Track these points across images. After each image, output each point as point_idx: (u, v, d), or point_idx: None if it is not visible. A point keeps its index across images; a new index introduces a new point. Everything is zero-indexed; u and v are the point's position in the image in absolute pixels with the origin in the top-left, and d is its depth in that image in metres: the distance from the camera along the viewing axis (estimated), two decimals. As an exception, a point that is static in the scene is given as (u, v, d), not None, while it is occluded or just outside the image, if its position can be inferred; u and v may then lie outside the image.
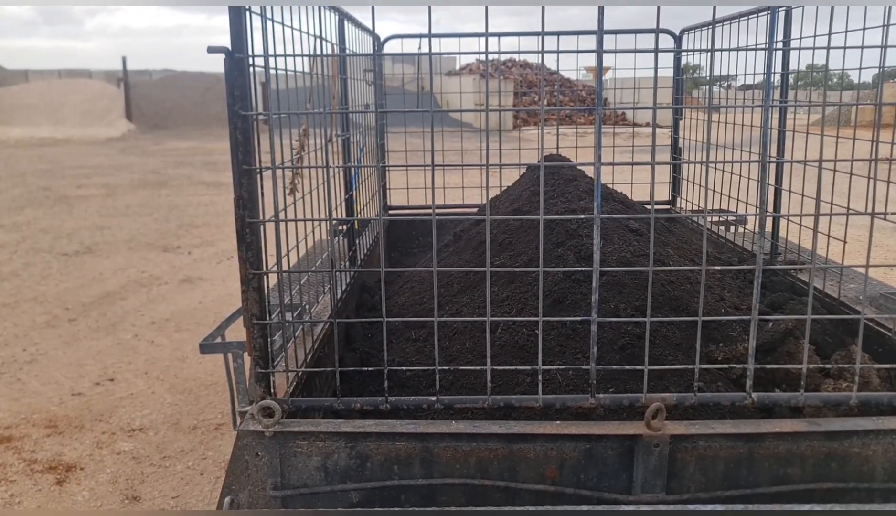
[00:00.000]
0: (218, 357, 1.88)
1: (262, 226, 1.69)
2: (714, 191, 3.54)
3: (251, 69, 1.62)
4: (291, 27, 1.98)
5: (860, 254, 6.53)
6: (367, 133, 3.70)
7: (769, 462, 1.66)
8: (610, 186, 3.37)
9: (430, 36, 1.80)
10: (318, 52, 2.28)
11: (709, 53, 1.84)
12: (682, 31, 3.97)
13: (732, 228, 3.52)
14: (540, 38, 1.65)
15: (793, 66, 3.12)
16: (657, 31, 1.78)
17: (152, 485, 3.56)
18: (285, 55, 1.81)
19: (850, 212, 1.94)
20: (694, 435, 1.64)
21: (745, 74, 3.29)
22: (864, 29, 2.34)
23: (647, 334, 1.69)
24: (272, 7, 1.72)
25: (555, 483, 1.66)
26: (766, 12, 3.01)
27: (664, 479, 1.64)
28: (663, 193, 4.28)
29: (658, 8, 1.75)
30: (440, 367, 1.76)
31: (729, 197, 3.46)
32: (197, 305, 6.45)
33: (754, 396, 1.68)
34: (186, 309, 6.34)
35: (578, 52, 2.51)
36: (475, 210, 4.14)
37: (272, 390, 1.76)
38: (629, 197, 3.27)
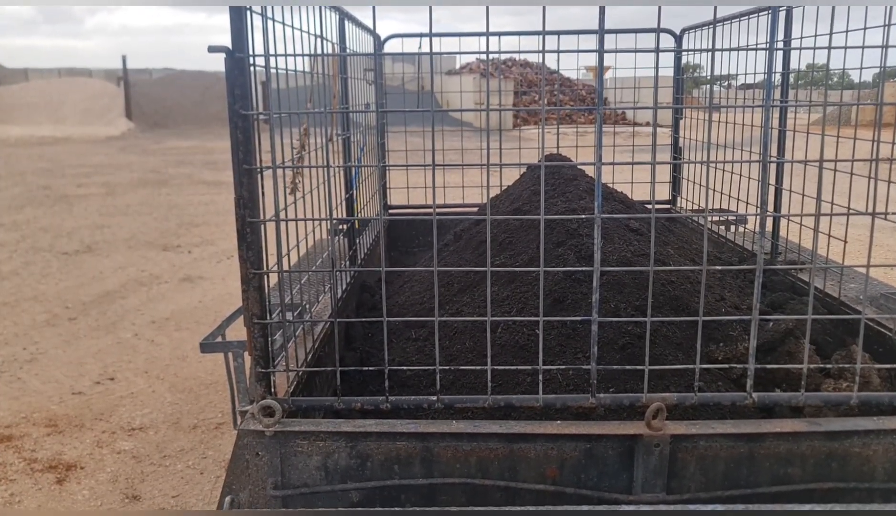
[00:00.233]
0: (218, 356, 1.88)
1: (262, 226, 1.69)
2: (714, 190, 3.54)
3: (252, 68, 1.62)
4: (292, 26, 1.98)
5: (860, 253, 6.53)
6: (367, 132, 3.70)
7: (770, 462, 1.66)
8: (610, 186, 3.36)
9: (430, 35, 1.80)
10: (319, 51, 2.28)
11: (709, 53, 1.84)
12: (683, 31, 3.97)
13: (733, 228, 3.52)
14: (540, 37, 1.65)
15: (793, 65, 3.12)
16: (658, 31, 1.78)
17: (152, 484, 3.56)
18: (286, 55, 1.81)
19: (851, 211, 1.94)
20: (694, 435, 1.64)
21: (745, 74, 3.29)
22: (864, 28, 2.33)
23: (648, 334, 1.69)
24: (273, 6, 1.72)
25: (555, 483, 1.66)
26: (766, 12, 3.01)
27: (664, 479, 1.64)
28: (664, 193, 4.28)
29: (659, 7, 1.75)
30: (440, 367, 1.76)
31: (729, 196, 3.46)
32: (197, 304, 6.45)
33: (755, 396, 1.68)
34: (186, 308, 6.34)
35: (579, 51, 2.51)
36: (475, 209, 4.14)
37: (273, 389, 1.76)
38: (629, 196, 3.27)
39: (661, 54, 1.63)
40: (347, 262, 3.08)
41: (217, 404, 4.42)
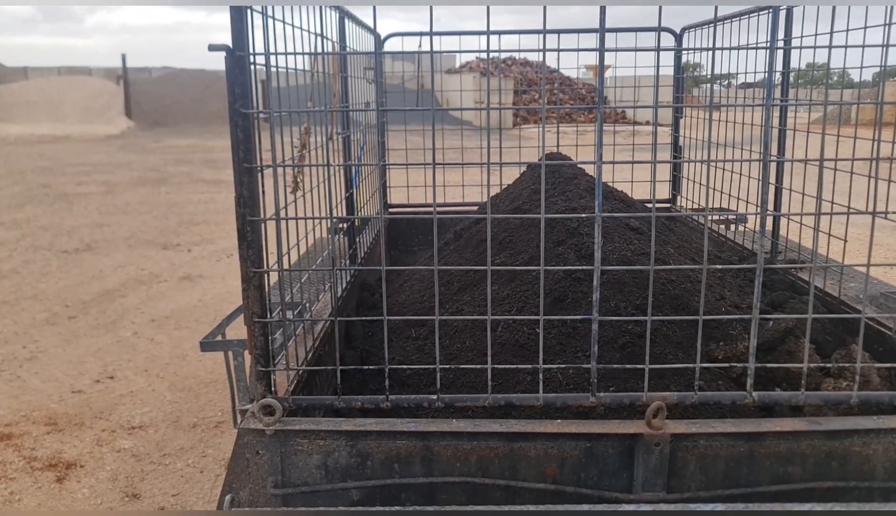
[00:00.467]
0: (218, 355, 1.88)
1: (262, 225, 1.69)
2: (715, 189, 3.54)
3: (252, 67, 1.62)
4: (292, 25, 1.98)
5: (861, 253, 6.53)
6: (367, 131, 3.69)
7: (770, 461, 1.66)
8: (610, 185, 3.36)
9: (430, 34, 1.80)
10: (319, 50, 2.27)
11: (710, 52, 1.84)
12: (683, 30, 3.97)
13: (733, 227, 3.52)
14: (541, 35, 1.65)
15: (794, 64, 3.12)
16: (658, 30, 1.78)
17: (152, 483, 3.56)
18: (286, 53, 1.81)
19: (851, 211, 1.94)
20: (694, 434, 1.64)
21: (745, 73, 3.29)
22: (864, 28, 2.33)
23: (648, 333, 1.69)
24: (273, 5, 1.72)
25: (555, 481, 1.66)
26: (767, 11, 3.01)
27: (665, 478, 1.64)
28: (664, 192, 4.28)
29: (660, 7, 1.75)
30: (441, 366, 1.76)
31: (729, 195, 3.45)
32: (197, 303, 6.45)
33: (755, 395, 1.68)
34: (186, 306, 6.34)
35: (579, 50, 2.51)
36: (475, 208, 4.14)
37: (273, 388, 1.76)
38: (630, 195, 3.27)
39: (661, 53, 1.63)
40: (347, 261, 3.08)
41: (217, 403, 4.42)
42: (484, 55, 1.64)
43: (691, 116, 4.04)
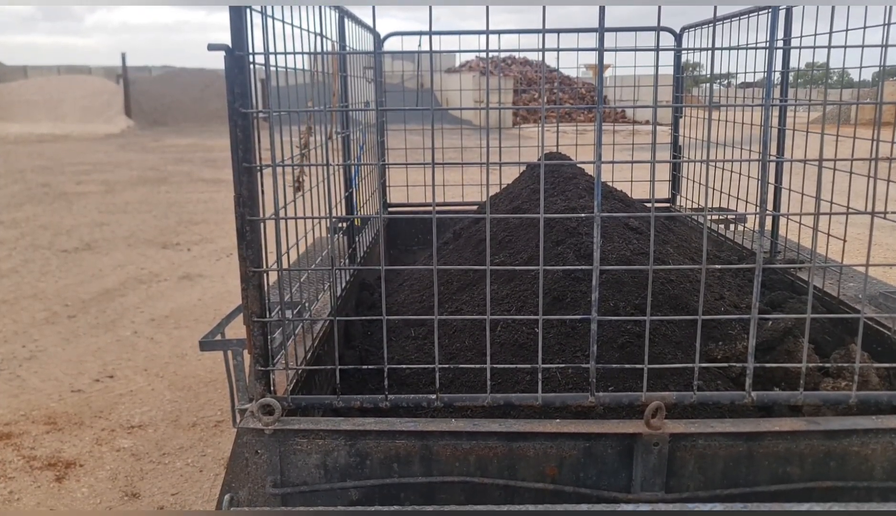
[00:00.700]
0: (217, 354, 1.89)
1: (262, 224, 1.69)
2: (714, 189, 3.54)
3: (251, 66, 1.62)
4: (292, 24, 1.98)
5: (860, 252, 6.53)
6: (366, 130, 3.69)
7: (768, 460, 1.66)
8: (610, 184, 3.36)
9: (430, 33, 1.80)
10: (319, 49, 2.27)
11: (709, 51, 1.84)
12: (683, 29, 3.97)
13: (732, 227, 3.52)
14: (540, 35, 1.65)
15: (793, 64, 3.12)
16: (658, 29, 1.78)
17: (152, 482, 3.56)
18: (286, 53, 1.81)
19: (850, 210, 1.94)
20: (693, 434, 1.64)
21: (745, 72, 3.29)
22: (864, 28, 2.33)
23: (647, 333, 1.69)
24: (272, 5, 1.72)
25: (554, 481, 1.66)
26: (766, 10, 3.01)
27: (663, 478, 1.64)
28: (663, 191, 4.29)
29: (659, 6, 1.75)
30: (440, 365, 1.76)
31: (729, 195, 3.46)
32: (196, 302, 6.45)
33: (753, 395, 1.69)
34: (186, 306, 6.34)
35: (579, 49, 2.51)
36: (475, 208, 4.14)
37: (272, 388, 1.76)
38: (629, 195, 3.27)
39: (660, 53, 1.63)
40: (347, 261, 3.08)
41: (216, 402, 4.42)
42: (483, 54, 1.64)
43: (691, 116, 4.04)
